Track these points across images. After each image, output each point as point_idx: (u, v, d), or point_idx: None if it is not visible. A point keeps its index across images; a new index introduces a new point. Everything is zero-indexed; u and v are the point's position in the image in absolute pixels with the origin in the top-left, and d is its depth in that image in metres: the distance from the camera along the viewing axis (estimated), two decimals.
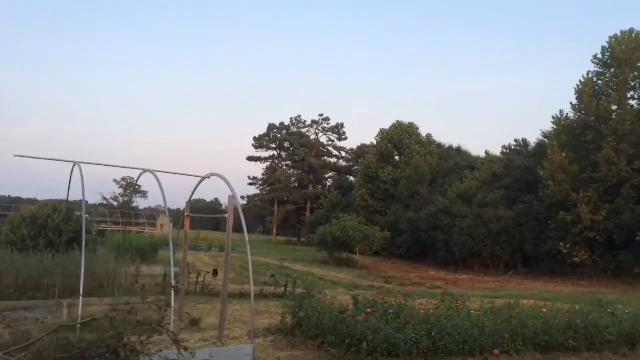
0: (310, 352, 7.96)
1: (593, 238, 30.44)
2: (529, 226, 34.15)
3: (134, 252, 16.56)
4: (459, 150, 59.29)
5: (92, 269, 11.57)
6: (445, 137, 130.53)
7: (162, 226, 53.51)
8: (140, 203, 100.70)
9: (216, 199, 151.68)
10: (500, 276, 32.22)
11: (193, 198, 10.07)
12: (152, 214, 70.50)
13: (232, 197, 7.46)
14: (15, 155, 6.95)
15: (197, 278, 16.03)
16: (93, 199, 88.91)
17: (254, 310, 8.19)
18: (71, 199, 11.42)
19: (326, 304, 8.85)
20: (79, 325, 5.46)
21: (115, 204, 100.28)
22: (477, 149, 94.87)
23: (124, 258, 13.37)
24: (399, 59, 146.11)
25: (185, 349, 5.04)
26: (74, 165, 7.28)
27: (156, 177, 7.44)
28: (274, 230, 75.01)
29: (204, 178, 8.76)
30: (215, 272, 29.93)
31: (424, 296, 16.86)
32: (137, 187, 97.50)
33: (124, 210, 63.53)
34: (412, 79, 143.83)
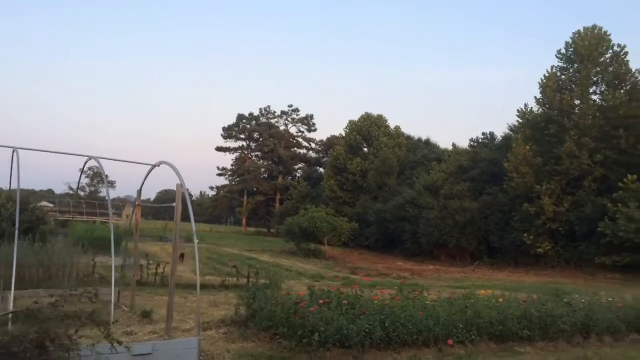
0: (261, 344, 7.78)
1: (556, 229, 31.01)
2: (494, 217, 34.59)
3: (87, 243, 16.04)
4: (427, 142, 59.68)
5: (43, 260, 11.15)
6: (415, 129, 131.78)
7: (127, 216, 52.39)
8: (107, 192, 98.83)
9: (187, 189, 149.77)
10: (466, 267, 32.54)
11: (163, 188, 9.73)
12: (120, 204, 69.12)
13: (180, 186, 7.20)
14: None
15: (157, 269, 15.66)
16: (59, 188, 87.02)
17: (199, 301, 7.94)
18: (37, 188, 10.85)
19: (280, 294, 8.66)
20: (10, 316, 5.16)
21: (82, 193, 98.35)
22: (446, 142, 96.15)
23: (74, 248, 12.90)
24: (370, 51, 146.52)
25: (119, 342, 4.80)
26: (14, 151, 6.91)
27: (99, 164, 7.14)
28: (243, 221, 74.51)
29: (154, 166, 8.47)
30: (181, 256, 29.65)
31: (389, 287, 16.86)
32: (106, 176, 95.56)
33: (89, 200, 62.04)
34: (382, 71, 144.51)
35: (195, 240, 6.97)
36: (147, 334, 8.18)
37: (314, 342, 7.31)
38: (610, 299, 11.57)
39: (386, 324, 7.82)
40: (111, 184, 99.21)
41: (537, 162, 32.07)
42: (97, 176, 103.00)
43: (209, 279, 17.08)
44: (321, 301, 8.11)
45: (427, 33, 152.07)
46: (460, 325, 8.43)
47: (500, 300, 10.03)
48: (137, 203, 9.75)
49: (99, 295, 9.83)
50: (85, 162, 7.82)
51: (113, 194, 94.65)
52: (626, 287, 22.84)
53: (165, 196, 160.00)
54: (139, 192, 9.14)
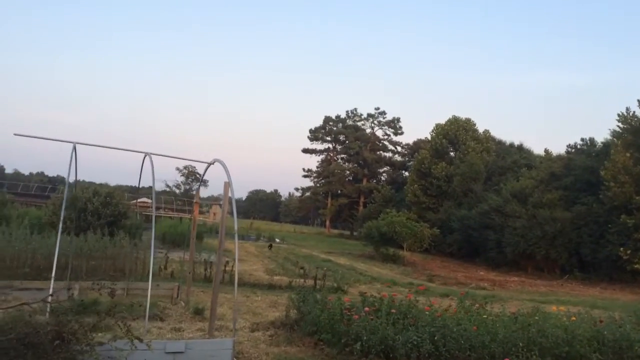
0: (305, 349, 7.59)
1: None
2: (588, 229, 32.26)
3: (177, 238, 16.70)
4: (520, 148, 57.08)
5: (113, 254, 11.65)
6: (509, 134, 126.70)
7: (214, 214, 54.55)
8: (200, 191, 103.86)
9: (275, 190, 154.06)
10: (554, 280, 30.66)
11: (254, 188, 9.73)
12: (209, 203, 72.13)
13: (228, 184, 7.20)
14: (15, 134, 6.98)
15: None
16: (157, 186, 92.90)
17: (237, 302, 7.86)
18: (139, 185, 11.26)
19: (328, 300, 8.41)
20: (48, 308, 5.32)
21: (178, 191, 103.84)
22: (542, 148, 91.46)
23: (144, 243, 13.39)
24: (462, 54, 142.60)
25: (140, 339, 4.79)
26: (74, 147, 7.22)
27: (151, 161, 7.27)
28: (327, 223, 75.02)
29: (209, 164, 8.57)
30: (270, 246, 30.45)
31: (468, 298, 16.12)
32: (196, 174, 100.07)
33: (182, 198, 65.30)
34: (475, 75, 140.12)
35: (236, 240, 6.91)
36: (194, 331, 8.26)
37: (355, 352, 7.03)
38: None
39: (436, 337, 7.37)
40: (204, 182, 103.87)
41: (638, 170, 29.52)
42: (192, 175, 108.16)
43: (277, 279, 17.15)
44: (367, 309, 7.79)
45: (524, 36, 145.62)
46: (520, 344, 7.77)
47: (573, 318, 9.19)
48: (195, 201, 9.93)
49: (160, 289, 10.12)
50: (143, 159, 8.01)
51: (206, 192, 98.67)
52: None
53: (256, 196, 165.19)
54: (197, 190, 9.28)
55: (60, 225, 6.42)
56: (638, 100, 31.43)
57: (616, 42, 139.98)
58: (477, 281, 26.81)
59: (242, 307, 11.27)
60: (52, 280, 5.88)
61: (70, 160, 7.02)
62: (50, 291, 5.39)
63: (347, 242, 55.28)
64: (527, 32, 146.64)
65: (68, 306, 4.55)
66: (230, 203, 7.26)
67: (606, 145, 37.90)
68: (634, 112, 31.88)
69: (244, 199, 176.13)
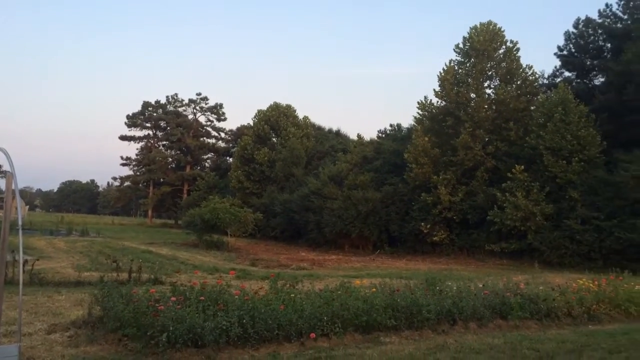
0: (107, 347, 7.18)
1: (451, 218, 32.17)
2: (395, 207, 35.36)
3: None
4: (338, 133, 60.38)
5: None
6: (328, 121, 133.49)
7: (15, 209, 48.90)
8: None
9: (92, 180, 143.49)
10: (367, 256, 33.05)
11: (67, 179, 8.69)
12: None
13: (11, 175, 6.45)
14: None
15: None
16: None
17: (20, 302, 7.20)
18: None
19: (133, 293, 8.06)
20: None
21: None
22: (358, 133, 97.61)
23: None
24: (282, 43, 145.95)
25: None
26: None
27: None
28: (149, 213, 72.01)
29: None
30: None
31: (285, 278, 16.54)
32: None
33: None
34: (298, 64, 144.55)
35: (20, 236, 6.27)
36: None
37: (161, 343, 6.84)
38: (481, 285, 11.95)
39: (244, 320, 7.49)
40: (4, 174, 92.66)
41: (436, 153, 33.09)
42: None
43: (87, 275, 16.00)
44: (173, 298, 7.63)
45: (343, 27, 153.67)
46: (325, 318, 8.26)
47: (373, 290, 10.02)
48: None
49: None
50: None
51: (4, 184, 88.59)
52: (512, 273, 24.07)
53: (69, 187, 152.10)
54: None
55: None
56: (434, 90, 35.13)
57: (420, 37, 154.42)
58: (298, 262, 27.77)
59: (41, 308, 10.33)
60: None
61: None
62: None
63: (170, 231, 53.67)
64: (343, 26, 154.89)
65: None
66: (14, 195, 6.54)
67: (410, 130, 41.83)
68: (431, 100, 35.63)
69: (55, 190, 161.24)
